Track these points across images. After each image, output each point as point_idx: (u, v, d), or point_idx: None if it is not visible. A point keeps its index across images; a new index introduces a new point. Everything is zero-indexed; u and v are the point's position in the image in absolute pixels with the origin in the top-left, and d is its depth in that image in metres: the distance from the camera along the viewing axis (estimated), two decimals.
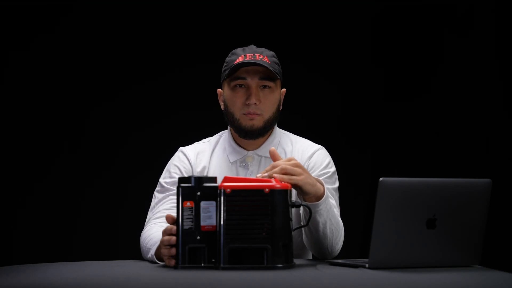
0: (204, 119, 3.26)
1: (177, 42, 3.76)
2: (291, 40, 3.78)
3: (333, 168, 2.40)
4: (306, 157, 2.40)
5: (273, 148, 2.03)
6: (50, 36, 3.70)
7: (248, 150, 2.40)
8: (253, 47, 2.39)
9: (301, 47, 3.82)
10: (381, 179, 1.79)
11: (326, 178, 2.35)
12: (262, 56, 2.33)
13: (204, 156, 2.43)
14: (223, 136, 2.46)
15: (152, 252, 2.11)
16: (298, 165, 1.97)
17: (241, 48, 2.39)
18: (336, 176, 2.41)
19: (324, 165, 2.39)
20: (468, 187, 1.90)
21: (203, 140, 2.50)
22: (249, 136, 2.36)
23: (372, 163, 3.83)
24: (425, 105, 3.78)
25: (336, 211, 2.29)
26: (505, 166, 3.65)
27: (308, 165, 2.38)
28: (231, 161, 2.39)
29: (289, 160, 1.98)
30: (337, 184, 2.40)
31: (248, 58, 2.32)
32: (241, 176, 2.37)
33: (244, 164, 2.39)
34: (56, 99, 3.70)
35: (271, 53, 2.39)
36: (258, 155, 2.39)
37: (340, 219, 2.27)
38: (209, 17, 3.78)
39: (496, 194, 2.00)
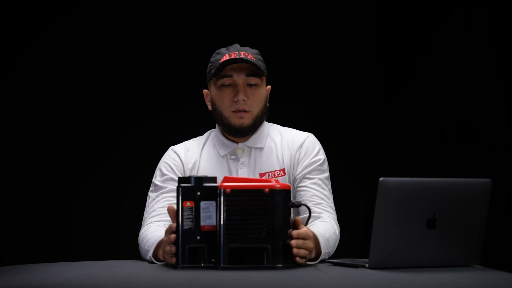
0: (204, 118, 3.25)
1: (170, 42, 3.75)
2: (290, 40, 3.78)
3: (323, 155, 2.43)
4: (297, 146, 2.42)
5: (298, 218, 1.92)
6: (47, 37, 3.69)
7: (237, 142, 2.41)
8: (236, 46, 2.42)
9: (300, 46, 3.81)
10: (381, 179, 1.79)
11: (318, 166, 2.39)
12: (246, 53, 2.36)
13: (194, 153, 2.45)
14: (212, 133, 2.49)
15: (150, 254, 2.11)
16: (307, 246, 1.92)
17: (225, 48, 2.42)
18: (327, 163, 2.44)
19: (315, 152, 2.41)
20: (468, 187, 1.90)
21: (191, 139, 2.52)
22: (239, 134, 2.39)
23: (372, 163, 3.83)
24: (425, 105, 3.78)
25: (331, 228, 2.26)
26: (505, 166, 3.65)
27: (300, 153, 2.40)
28: (222, 154, 2.42)
29: (299, 235, 1.89)
30: (328, 172, 2.43)
31: (233, 56, 2.35)
32: (233, 168, 2.40)
33: (234, 157, 2.41)
34: (55, 99, 3.70)
35: (255, 51, 2.42)
36: (248, 147, 2.42)
37: (335, 228, 2.26)
38: (202, 16, 3.78)
39: (496, 194, 2.00)
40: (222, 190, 1.82)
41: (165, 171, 2.40)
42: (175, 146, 2.49)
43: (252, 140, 2.42)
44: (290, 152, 2.41)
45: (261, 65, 2.38)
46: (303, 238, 1.89)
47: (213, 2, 3.78)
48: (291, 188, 2.34)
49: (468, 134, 3.72)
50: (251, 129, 2.38)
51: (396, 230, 1.83)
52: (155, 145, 3.53)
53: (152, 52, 3.75)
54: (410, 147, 3.78)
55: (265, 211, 1.81)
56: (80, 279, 1.73)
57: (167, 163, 2.43)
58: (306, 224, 2.06)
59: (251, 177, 2.35)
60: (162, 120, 3.73)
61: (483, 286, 1.72)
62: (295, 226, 1.90)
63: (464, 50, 3.73)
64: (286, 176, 2.39)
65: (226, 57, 2.35)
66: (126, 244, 3.22)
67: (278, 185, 1.83)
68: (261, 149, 2.41)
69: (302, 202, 1.99)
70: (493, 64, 3.69)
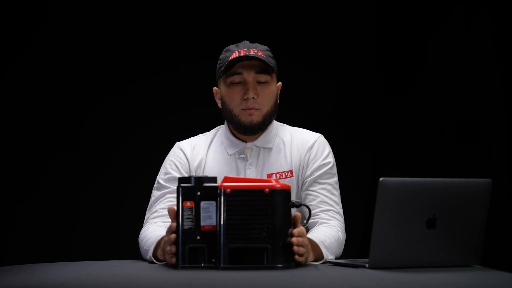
0: (204, 117, 3.24)
1: (169, 42, 3.75)
2: (290, 40, 3.78)
3: (333, 158, 2.42)
4: (307, 147, 2.40)
5: (298, 214, 1.92)
6: (47, 37, 3.69)
7: (246, 142, 2.40)
8: (246, 42, 2.40)
9: (301, 46, 3.81)
10: (381, 179, 1.79)
11: (328, 169, 2.38)
12: (256, 50, 2.34)
13: (200, 150, 2.43)
14: (220, 131, 2.47)
15: (150, 253, 2.11)
16: (304, 244, 1.91)
17: (234, 45, 2.39)
18: (335, 167, 2.42)
19: (325, 154, 2.40)
20: (468, 187, 1.90)
21: (199, 135, 2.50)
22: (249, 131, 2.36)
23: (372, 163, 3.83)
24: (425, 105, 3.78)
25: (334, 234, 2.25)
26: (505, 166, 3.65)
27: (310, 155, 2.39)
28: (230, 153, 2.39)
29: (299, 233, 1.89)
30: (336, 176, 2.42)
31: (243, 53, 2.32)
32: (241, 168, 2.38)
33: (242, 156, 2.39)
34: (55, 99, 3.70)
35: (265, 47, 2.39)
36: (257, 147, 2.40)
37: (339, 235, 2.26)
38: (206, 13, 3.78)
39: (496, 194, 2.00)
40: (222, 190, 1.81)
41: (169, 170, 2.39)
42: (182, 142, 2.46)
43: (261, 140, 2.40)
44: (299, 153, 2.39)
45: (271, 61, 2.36)
46: (301, 236, 1.89)
47: (213, 2, 3.78)
48: (298, 189, 2.36)
49: (468, 135, 3.72)
50: (261, 126, 2.36)
51: (396, 230, 1.83)
52: (155, 145, 3.54)
53: (152, 52, 3.75)
54: (410, 147, 3.78)
55: (265, 211, 1.81)
56: (80, 279, 1.73)
57: (173, 161, 2.41)
58: (306, 223, 2.07)
59: (259, 177, 2.34)
60: (162, 120, 3.73)
61: (483, 286, 1.72)
62: (294, 222, 1.90)
63: (464, 50, 3.73)
64: (294, 178, 2.37)
65: (235, 54, 2.32)
66: (126, 244, 3.21)
67: (278, 185, 1.83)
68: (269, 149, 2.39)
69: (302, 202, 1.99)
70: (493, 64, 3.69)
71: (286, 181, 2.34)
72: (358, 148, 3.83)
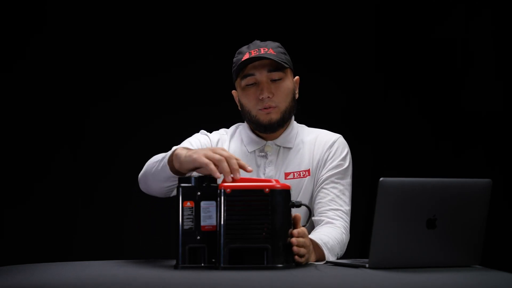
0: (206, 117, 3.24)
1: (168, 43, 3.76)
2: (293, 38, 3.77)
3: (349, 160, 2.43)
4: (327, 146, 2.42)
5: (298, 214, 1.90)
6: (46, 36, 3.69)
7: (266, 140, 2.41)
8: (257, 42, 2.42)
9: (301, 46, 3.81)
10: (381, 179, 1.79)
11: (343, 169, 2.39)
12: (266, 49, 2.35)
13: (224, 144, 2.44)
14: (239, 128, 2.48)
15: (166, 157, 2.00)
16: (305, 244, 1.90)
17: (245, 46, 2.41)
18: (351, 169, 2.43)
19: (343, 155, 2.42)
20: (468, 187, 1.90)
21: (220, 131, 2.51)
22: (269, 130, 2.38)
23: (372, 163, 3.83)
24: (425, 105, 3.78)
25: (338, 236, 2.27)
26: (505, 166, 3.65)
27: (329, 154, 2.41)
28: (250, 150, 2.41)
29: (299, 234, 1.88)
30: (350, 179, 2.42)
31: (253, 54, 2.34)
32: (261, 165, 2.39)
33: (263, 154, 2.40)
34: (56, 97, 3.70)
35: (276, 44, 2.41)
36: (277, 145, 2.41)
37: (343, 237, 2.27)
38: (210, 14, 3.78)
39: (496, 194, 2.00)
40: (222, 190, 1.81)
41: (193, 143, 2.36)
42: (208, 132, 2.47)
43: (281, 139, 2.42)
44: (319, 152, 2.41)
45: (283, 58, 2.37)
46: (301, 236, 1.89)
47: (212, 3, 3.78)
48: (314, 188, 2.36)
49: (468, 135, 3.72)
50: (280, 123, 2.38)
51: (396, 230, 1.83)
52: (157, 145, 3.52)
53: (151, 54, 3.76)
54: (411, 147, 3.79)
55: (265, 211, 1.81)
56: (80, 279, 1.73)
57: (199, 139, 2.40)
58: (306, 223, 2.07)
59: (277, 175, 2.37)
60: (164, 120, 3.73)
61: (483, 286, 1.71)
62: (294, 223, 1.90)
63: (464, 50, 3.73)
64: (311, 177, 2.39)
65: (246, 56, 2.34)
66: (127, 244, 3.22)
67: (278, 185, 1.83)
68: (289, 149, 2.41)
69: (302, 202, 1.99)
70: (493, 64, 3.69)
71: (303, 180, 2.37)
72: (358, 148, 3.83)
